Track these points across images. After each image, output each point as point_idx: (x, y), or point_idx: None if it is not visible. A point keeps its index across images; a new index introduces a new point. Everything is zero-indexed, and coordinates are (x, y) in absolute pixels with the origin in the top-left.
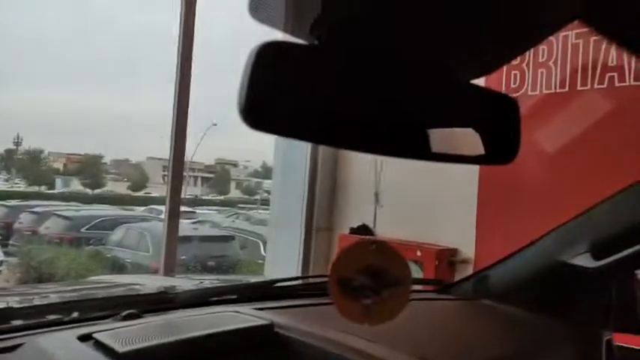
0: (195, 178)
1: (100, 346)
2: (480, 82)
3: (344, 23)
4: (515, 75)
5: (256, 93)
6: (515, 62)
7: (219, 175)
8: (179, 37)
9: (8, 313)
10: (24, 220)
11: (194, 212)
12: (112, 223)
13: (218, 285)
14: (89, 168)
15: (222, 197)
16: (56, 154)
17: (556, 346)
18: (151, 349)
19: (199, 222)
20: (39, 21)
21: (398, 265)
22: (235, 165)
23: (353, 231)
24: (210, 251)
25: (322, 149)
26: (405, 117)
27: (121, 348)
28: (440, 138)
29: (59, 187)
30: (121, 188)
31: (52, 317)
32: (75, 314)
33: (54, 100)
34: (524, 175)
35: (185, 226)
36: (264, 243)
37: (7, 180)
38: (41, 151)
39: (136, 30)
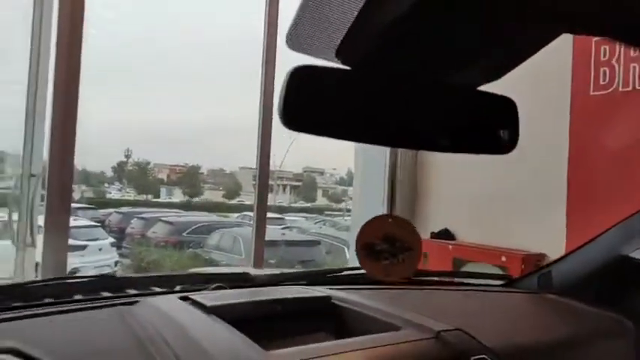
0: (285, 186)
1: (195, 303)
2: (567, 78)
3: (364, 50)
4: (604, 72)
5: (289, 105)
6: (603, 58)
7: (306, 184)
8: (263, 45)
9: (128, 282)
10: (135, 225)
11: (283, 219)
12: (209, 228)
13: (292, 271)
14: (189, 178)
15: (309, 204)
16: (160, 165)
17: (615, 339)
18: (231, 305)
19: (287, 228)
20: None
21: (410, 234)
22: (322, 173)
23: (434, 235)
24: (297, 255)
25: (401, 154)
26: (425, 119)
27: (209, 303)
28: (455, 133)
29: (164, 196)
30: (216, 196)
31: (159, 289)
32: (177, 287)
33: (156, 115)
34: (618, 175)
35: (274, 232)
36: (349, 248)
37: (119, 189)
38: (148, 163)
39: (227, 41)
